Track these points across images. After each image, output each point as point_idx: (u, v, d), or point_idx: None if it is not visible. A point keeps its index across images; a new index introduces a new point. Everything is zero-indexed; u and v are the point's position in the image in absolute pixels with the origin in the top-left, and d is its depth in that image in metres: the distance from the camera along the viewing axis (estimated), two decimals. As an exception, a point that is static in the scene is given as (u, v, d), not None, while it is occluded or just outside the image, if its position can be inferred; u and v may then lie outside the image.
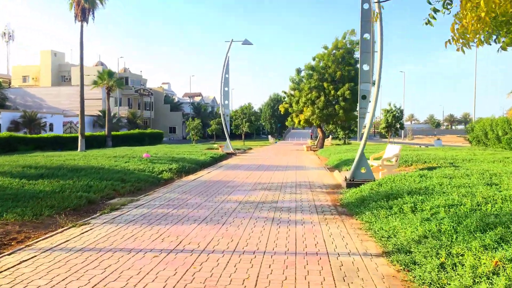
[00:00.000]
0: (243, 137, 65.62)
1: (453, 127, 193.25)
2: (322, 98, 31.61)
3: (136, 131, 39.73)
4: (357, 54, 32.90)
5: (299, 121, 34.12)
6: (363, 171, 11.83)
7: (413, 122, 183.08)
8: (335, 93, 31.46)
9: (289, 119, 35.76)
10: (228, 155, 26.03)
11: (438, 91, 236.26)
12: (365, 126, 12.80)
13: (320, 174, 15.56)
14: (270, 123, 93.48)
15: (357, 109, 34.00)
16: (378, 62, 11.48)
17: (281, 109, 35.98)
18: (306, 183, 12.79)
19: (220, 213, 8.07)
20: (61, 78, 73.99)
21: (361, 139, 12.68)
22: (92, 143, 33.27)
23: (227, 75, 26.92)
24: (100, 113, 60.01)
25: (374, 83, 12.12)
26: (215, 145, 32.44)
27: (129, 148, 29.97)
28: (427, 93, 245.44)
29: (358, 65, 33.22)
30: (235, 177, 14.37)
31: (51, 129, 50.16)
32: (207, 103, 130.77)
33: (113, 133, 37.02)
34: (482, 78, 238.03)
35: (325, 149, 30.50)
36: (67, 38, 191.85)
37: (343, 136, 45.63)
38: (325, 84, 31.81)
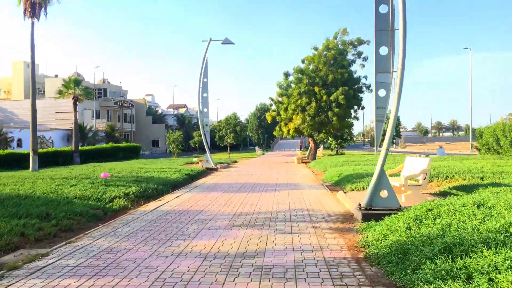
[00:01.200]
0: (228, 149, 62.24)
1: (441, 134, 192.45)
2: (314, 104, 28.43)
3: (109, 145, 36.06)
4: (350, 56, 29.93)
5: (288, 131, 30.85)
6: (383, 195, 8.50)
7: (401, 129, 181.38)
8: (327, 99, 28.32)
9: (277, 128, 32.49)
10: (208, 171, 22.58)
11: (424, 99, 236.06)
12: (384, 133, 9.48)
13: (319, 196, 12.18)
14: (257, 134, 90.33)
15: (352, 115, 30.97)
16: (401, 43, 8.21)
17: (268, 117, 32.69)
18: (304, 211, 9.41)
19: (166, 286, 4.64)
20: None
21: (378, 150, 9.38)
22: (57, 159, 29.54)
23: (205, 79, 23.57)
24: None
25: (394, 73, 8.85)
26: (195, 159, 28.97)
27: (96, 164, 26.35)
28: (413, 100, 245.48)
29: (352, 67, 30.29)
30: (210, 204, 10.92)
31: (19, 145, 46.12)
32: (192, 114, 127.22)
33: (81, 148, 33.25)
34: (467, 85, 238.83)
35: (318, 161, 27.26)
36: (41, 49, 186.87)
37: (336, 145, 42.51)
38: (316, 89, 28.67)
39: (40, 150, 28.60)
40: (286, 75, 30.36)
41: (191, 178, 18.50)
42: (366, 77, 30.30)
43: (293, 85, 30.97)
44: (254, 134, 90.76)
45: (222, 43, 23.24)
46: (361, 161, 23.42)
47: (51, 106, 64.78)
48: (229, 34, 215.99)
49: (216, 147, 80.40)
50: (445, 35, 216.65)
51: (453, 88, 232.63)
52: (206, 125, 24.26)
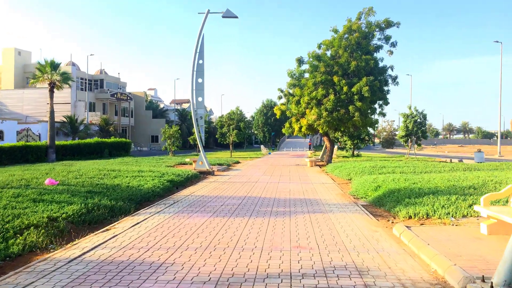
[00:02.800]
0: (230, 147, 57.66)
1: (452, 136, 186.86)
2: (332, 96, 23.77)
3: (93, 140, 31.59)
4: (375, 40, 25.25)
5: (300, 128, 26.22)
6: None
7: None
8: (348, 90, 23.65)
9: (286, 125, 27.85)
10: (200, 176, 18.04)
11: (434, 100, 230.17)
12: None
13: (363, 229, 7.56)
14: (263, 132, 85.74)
15: (377, 111, 26.28)
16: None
17: (277, 112, 28.02)
18: (352, 275, 4.81)
19: None
20: (26, 80, 65.55)
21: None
22: (27, 156, 25.07)
23: (201, 61, 18.98)
24: (66, 119, 51.72)
25: None
26: (188, 159, 24.42)
27: (69, 163, 21.90)
28: (424, 102, 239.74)
29: (377, 54, 25.58)
30: (182, 246, 6.36)
31: (0, 138, 41.85)
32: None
33: (58, 143, 28.77)
34: (477, 88, 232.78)
35: (336, 165, 22.65)
36: (35, 34, 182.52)
37: (351, 146, 37.76)
38: (335, 79, 24.00)
39: (5, 145, 24.17)
40: (299, 61, 25.62)
41: (174, 185, 13.97)
42: (392, 68, 25.60)
43: (307, 75, 26.33)
44: (259, 132, 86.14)
45: (223, 16, 18.66)
46: (392, 167, 18.79)
47: (43, 96, 60.29)
48: (235, 25, 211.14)
49: (218, 145, 76.17)
50: (455, 37, 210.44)
51: (464, 90, 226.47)
52: (201, 118, 19.69)
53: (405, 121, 33.33)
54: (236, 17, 18.70)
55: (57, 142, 28.45)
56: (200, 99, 19.17)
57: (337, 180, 17.04)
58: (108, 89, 67.51)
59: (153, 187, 12.18)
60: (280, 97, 27.95)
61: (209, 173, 18.79)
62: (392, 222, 8.16)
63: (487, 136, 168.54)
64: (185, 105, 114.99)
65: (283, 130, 28.52)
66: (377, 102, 25.34)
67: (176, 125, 39.83)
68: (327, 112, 23.91)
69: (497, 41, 44.79)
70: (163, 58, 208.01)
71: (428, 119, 33.56)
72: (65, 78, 27.13)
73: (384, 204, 9.89)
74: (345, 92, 23.78)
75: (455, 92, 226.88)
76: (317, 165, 26.29)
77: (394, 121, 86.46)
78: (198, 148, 49.12)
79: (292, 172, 21.20)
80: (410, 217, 8.31)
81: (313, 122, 24.49)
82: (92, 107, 64.82)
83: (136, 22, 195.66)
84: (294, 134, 27.70)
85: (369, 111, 25.15)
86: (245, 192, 12.80)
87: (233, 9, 18.65)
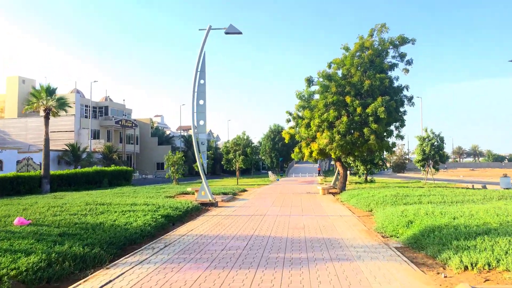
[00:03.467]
0: (237, 173, 55.77)
1: (461, 159, 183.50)
2: (345, 118, 21.98)
3: (92, 169, 29.90)
4: (389, 58, 23.63)
5: (311, 153, 24.35)
6: None
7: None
8: (362, 111, 21.89)
9: (296, 149, 25.99)
10: (202, 208, 16.17)
11: (444, 123, 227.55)
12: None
13: (411, 289, 5.61)
14: (270, 157, 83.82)
15: (394, 134, 24.39)
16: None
17: (285, 136, 26.22)
18: None
19: None
20: (30, 108, 64.66)
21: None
22: (18, 187, 23.37)
23: (202, 81, 17.36)
24: (68, 147, 50.34)
25: None
26: (189, 189, 22.54)
27: (61, 194, 20.15)
28: (432, 124, 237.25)
29: (391, 72, 23.88)
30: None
31: (0, 168, 40.43)
32: (202, 137, 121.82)
33: (53, 172, 27.07)
34: (487, 111, 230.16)
35: (351, 193, 20.71)
36: (38, 63, 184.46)
37: (364, 171, 35.72)
38: (347, 99, 22.28)
39: (-5, 176, 22.56)
40: (309, 81, 23.96)
41: (170, 222, 12.09)
42: (407, 87, 23.84)
43: (317, 96, 24.64)
44: (267, 158, 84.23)
45: (226, 32, 17.15)
46: (416, 195, 16.80)
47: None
48: (240, 45, 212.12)
49: (225, 172, 74.20)
50: (465, 60, 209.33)
51: (473, 113, 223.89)
52: (202, 143, 17.96)
53: (421, 144, 31.38)
54: (240, 33, 17.18)
55: (52, 172, 26.77)
56: (201, 122, 17.48)
57: (356, 211, 15.06)
58: (113, 116, 66.41)
59: (143, 225, 10.31)
60: (288, 120, 26.20)
61: (212, 204, 16.89)
62: (446, 276, 6.19)
63: (498, 159, 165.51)
64: (191, 132, 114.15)
65: (293, 156, 26.66)
66: (394, 124, 23.51)
67: (181, 152, 38.09)
68: (339, 136, 22.09)
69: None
70: (170, 84, 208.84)
71: (449, 142, 31.55)
72: (61, 104, 25.64)
73: (424, 247, 7.93)
74: (359, 113, 22.01)
75: (462, 115, 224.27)
76: (330, 192, 24.28)
77: (404, 144, 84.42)
78: (205, 174, 47.38)
79: (304, 201, 19.24)
80: (466, 268, 6.36)
81: (324, 146, 22.64)
82: (96, 135, 63.62)
83: (144, 48, 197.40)
84: (305, 159, 25.82)
85: (385, 134, 23.31)
86: (252, 229, 10.88)
87: (239, 27, 17.10)
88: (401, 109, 23.55)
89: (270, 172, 50.30)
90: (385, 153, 24.80)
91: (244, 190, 27.90)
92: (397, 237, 9.39)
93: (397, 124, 23.74)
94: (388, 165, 76.69)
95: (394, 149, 24.38)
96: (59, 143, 55.35)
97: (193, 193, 21.00)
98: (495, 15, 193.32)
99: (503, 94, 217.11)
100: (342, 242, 8.97)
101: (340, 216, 13.66)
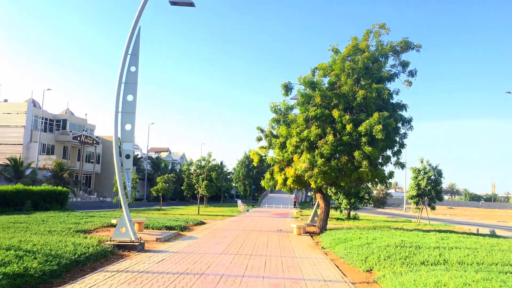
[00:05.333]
0: (204, 200, 49.98)
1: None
2: (330, 138, 16.91)
3: (12, 187, 23.86)
4: (388, 66, 18.91)
5: (285, 180, 19.06)
6: None
7: (397, 190, 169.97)
8: (353, 130, 16.94)
9: (267, 175, 20.71)
10: (116, 251, 10.65)
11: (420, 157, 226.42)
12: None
13: None
14: (244, 185, 78.31)
15: (392, 160, 19.38)
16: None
17: (254, 157, 20.78)
18: None
19: None
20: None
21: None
22: None
23: (133, 68, 12.07)
24: (10, 162, 43.83)
25: None
26: (115, 220, 16.78)
27: None
28: (408, 162, 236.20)
29: (390, 85, 18.21)
30: None
31: None
32: (175, 160, 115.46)
33: None
34: (463, 150, 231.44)
35: (335, 235, 15.56)
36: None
37: (347, 206, 30.56)
38: (335, 113, 17.33)
39: None
40: (287, 88, 18.79)
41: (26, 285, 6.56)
42: (405, 107, 19.01)
43: (297, 111, 19.63)
44: (240, 185, 78.66)
45: (172, 2, 12.06)
46: (430, 246, 11.67)
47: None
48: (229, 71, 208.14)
49: (195, 198, 67.54)
50: (442, 100, 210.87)
51: (449, 151, 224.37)
52: (127, 157, 12.47)
53: (416, 178, 26.61)
54: (191, 4, 12.12)
55: None
56: (128, 126, 12.06)
57: (347, 270, 9.80)
58: (71, 131, 60.13)
59: None
60: (259, 139, 20.92)
61: (133, 247, 11.30)
62: None
63: (474, 199, 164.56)
64: (163, 154, 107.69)
65: (262, 183, 21.30)
66: (391, 148, 18.62)
67: (134, 173, 32.34)
68: (323, 159, 16.96)
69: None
70: (143, 105, 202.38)
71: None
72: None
73: None
74: (349, 132, 17.04)
75: (437, 153, 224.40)
76: (308, 232, 18.98)
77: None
78: (161, 200, 41.06)
79: (272, 246, 13.86)
80: None
81: (303, 172, 17.41)
82: (50, 150, 57.14)
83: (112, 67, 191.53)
84: (277, 188, 20.50)
85: (380, 160, 18.40)
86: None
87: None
88: (401, 131, 18.72)
89: (239, 201, 44.69)
90: (383, 185, 19.58)
91: (201, 223, 22.32)
92: None
93: (395, 148, 18.84)
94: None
95: (390, 180, 19.22)
96: (2, 156, 48.72)
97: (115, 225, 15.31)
98: (478, 55, 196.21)
99: (481, 134, 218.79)
100: None
101: (324, 281, 8.35)
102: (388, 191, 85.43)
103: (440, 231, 19.52)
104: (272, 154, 21.06)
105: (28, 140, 53.36)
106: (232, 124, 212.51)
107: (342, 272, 9.52)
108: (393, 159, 18.68)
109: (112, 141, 50.63)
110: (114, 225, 16.36)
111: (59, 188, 27.62)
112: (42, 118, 57.55)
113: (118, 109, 12.00)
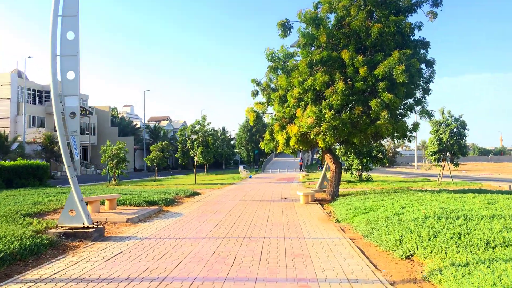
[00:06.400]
0: (205, 168, 47.33)
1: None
2: (340, 85, 13.75)
3: (-23, 163, 21.12)
4: (408, -4, 15.41)
5: (287, 140, 16.01)
6: None
7: (404, 148, 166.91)
8: (368, 74, 13.74)
9: (266, 135, 17.71)
10: (63, 241, 7.85)
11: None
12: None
13: None
14: (247, 150, 75.60)
15: (416, 110, 15.96)
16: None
17: (250, 115, 17.47)
18: None
19: None
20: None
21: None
22: None
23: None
24: (-6, 137, 41.00)
25: None
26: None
27: None
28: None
29: (411, 17, 14.26)
30: None
31: None
32: (176, 128, 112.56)
33: None
34: (472, 104, 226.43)
35: (349, 203, 12.74)
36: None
37: (358, 167, 27.61)
38: (344, 55, 14.12)
39: None
40: (284, 28, 15.26)
41: None
42: (428, 45, 15.63)
43: (298, 58, 16.34)
44: (243, 151, 75.96)
45: None
46: (484, 215, 8.75)
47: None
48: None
49: (201, 166, 65.01)
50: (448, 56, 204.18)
51: (455, 106, 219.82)
52: (72, 116, 9.39)
53: (437, 131, 23.49)
54: None
55: None
56: (71, 74, 8.95)
57: (376, 254, 6.96)
58: (61, 102, 56.93)
59: None
60: (255, 93, 17.77)
61: (87, 235, 8.42)
62: None
63: (483, 153, 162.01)
64: (163, 123, 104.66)
65: (261, 145, 18.32)
66: (413, 94, 15.45)
67: (122, 142, 29.40)
68: (332, 112, 13.86)
69: None
70: (142, 71, 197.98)
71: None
72: None
73: None
74: (363, 77, 13.87)
75: (449, 107, 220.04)
76: (316, 200, 16.13)
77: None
78: (157, 171, 38.27)
79: (273, 221, 11.01)
80: None
81: (308, 129, 14.34)
82: (41, 123, 54.26)
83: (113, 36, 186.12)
84: (279, 150, 17.51)
85: (400, 110, 15.31)
86: None
87: None
88: (424, 75, 15.50)
89: (241, 167, 41.91)
90: (408, 141, 16.32)
91: (194, 194, 19.55)
92: None
93: (418, 96, 15.68)
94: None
95: (413, 134, 16.14)
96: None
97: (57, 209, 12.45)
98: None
99: (486, 87, 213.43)
100: None
101: (349, 283, 5.46)
102: (397, 149, 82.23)
103: (470, 190, 16.63)
104: (271, 111, 17.99)
105: (15, 113, 50.40)
106: (235, 87, 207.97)
107: (370, 261, 6.63)
108: (417, 109, 15.53)
109: (107, 111, 47.46)
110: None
111: (36, 162, 24.87)
112: (29, 89, 54.35)
113: (55, 52, 8.86)
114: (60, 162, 49.77)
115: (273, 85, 17.75)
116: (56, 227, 8.76)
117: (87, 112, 60.69)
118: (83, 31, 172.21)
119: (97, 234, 8.69)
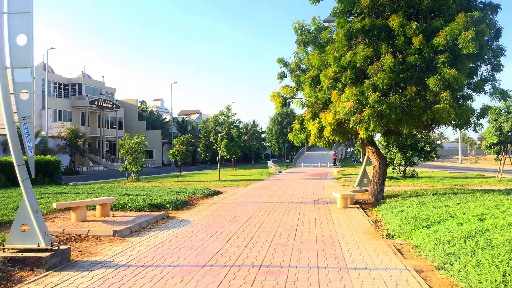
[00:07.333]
0: (233, 163, 45.02)
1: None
2: (388, 59, 10.86)
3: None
4: None
5: (321, 129, 13.21)
6: None
7: (442, 141, 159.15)
8: (423, 45, 10.75)
9: (295, 125, 15.00)
10: (7, 270, 5.43)
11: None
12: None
13: None
14: (278, 143, 72.74)
15: (487, 88, 12.88)
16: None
17: (275, 101, 14.55)
18: None
19: None
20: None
21: None
22: None
23: None
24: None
25: None
26: (55, 204, 11.55)
27: None
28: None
29: None
30: None
31: None
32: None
33: None
34: None
35: (401, 208, 9.91)
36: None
37: (401, 161, 24.39)
38: (393, 22, 11.19)
39: None
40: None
41: None
42: (498, 8, 12.43)
43: (332, 29, 13.51)
44: (274, 144, 73.18)
45: None
46: None
47: None
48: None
49: (228, 160, 62.70)
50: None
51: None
52: (24, 94, 6.96)
53: (496, 120, 20.10)
54: None
55: None
56: (22, 39, 6.48)
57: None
58: (87, 95, 55.98)
59: None
60: (282, 76, 15.05)
61: (40, 261, 6.02)
62: None
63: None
64: (193, 116, 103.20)
65: (290, 136, 15.60)
66: (478, 72, 12.35)
67: (141, 135, 27.29)
68: (377, 94, 10.97)
69: None
70: (174, 66, 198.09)
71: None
72: None
73: None
74: (417, 48, 10.92)
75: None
76: (358, 203, 13.32)
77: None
78: (180, 166, 36.18)
79: (305, 233, 8.37)
80: None
81: (347, 116, 11.50)
82: (67, 117, 53.40)
83: (149, 32, 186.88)
84: (310, 143, 14.76)
85: (464, 92, 12.24)
86: None
87: None
88: (495, 43, 12.35)
89: (269, 162, 39.24)
90: (472, 130, 12.98)
91: (213, 193, 17.10)
92: None
93: (486, 73, 12.55)
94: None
95: (480, 121, 12.95)
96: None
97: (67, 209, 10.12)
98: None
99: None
100: None
101: None
102: (438, 142, 77.32)
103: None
104: (301, 96, 15.19)
105: (40, 107, 49.55)
106: (266, 80, 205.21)
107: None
108: (488, 87, 12.39)
109: (135, 104, 45.46)
110: (64, 210, 11.27)
111: (47, 157, 23.09)
112: (55, 83, 53.53)
113: (1, 8, 6.45)
114: (85, 157, 48.72)
115: (303, 66, 15.00)
116: (3, 249, 6.39)
117: (113, 106, 59.56)
118: (113, 23, 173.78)
119: (57, 259, 6.27)
